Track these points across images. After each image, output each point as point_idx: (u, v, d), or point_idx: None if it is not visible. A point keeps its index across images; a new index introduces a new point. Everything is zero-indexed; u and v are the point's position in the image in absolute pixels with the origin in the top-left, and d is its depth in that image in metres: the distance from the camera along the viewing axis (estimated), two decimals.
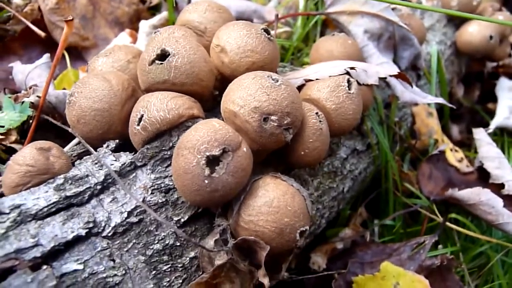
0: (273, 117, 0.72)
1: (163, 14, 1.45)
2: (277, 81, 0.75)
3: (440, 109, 1.56)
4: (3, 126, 1.08)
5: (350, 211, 1.27)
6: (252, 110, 0.72)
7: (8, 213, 0.68)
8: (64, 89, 1.27)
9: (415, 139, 1.33)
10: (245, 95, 0.73)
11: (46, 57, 1.16)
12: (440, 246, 1.17)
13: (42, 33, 1.38)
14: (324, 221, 1.08)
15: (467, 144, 1.68)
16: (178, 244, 0.76)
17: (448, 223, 1.22)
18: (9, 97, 1.12)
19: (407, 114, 1.37)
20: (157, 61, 0.78)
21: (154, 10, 1.67)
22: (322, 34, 1.51)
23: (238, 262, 0.70)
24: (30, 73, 1.11)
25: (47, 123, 1.28)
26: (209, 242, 0.71)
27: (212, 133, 0.68)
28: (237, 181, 0.69)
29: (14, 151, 1.17)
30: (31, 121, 1.25)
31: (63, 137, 1.05)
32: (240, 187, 0.71)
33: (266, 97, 0.72)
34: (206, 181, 0.67)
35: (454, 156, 1.40)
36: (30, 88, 1.10)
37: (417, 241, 1.13)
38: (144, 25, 1.41)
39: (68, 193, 0.72)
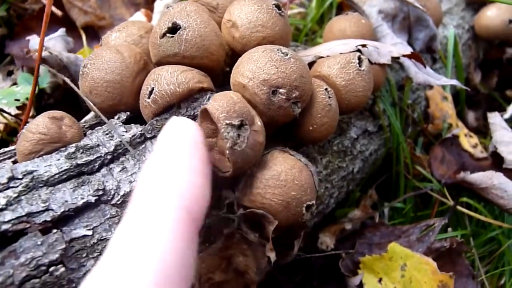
0: (281, 90, 0.73)
1: None
2: (287, 54, 0.75)
3: (455, 94, 1.54)
4: (18, 100, 1.11)
5: (360, 193, 1.27)
6: (261, 83, 0.73)
7: (21, 179, 0.70)
8: None
9: (428, 122, 1.32)
10: (254, 68, 0.74)
11: (61, 30, 1.20)
12: (449, 229, 1.17)
13: (59, 12, 1.40)
14: (332, 201, 1.08)
15: (483, 132, 1.65)
16: None
17: (459, 207, 1.21)
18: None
19: (421, 97, 1.35)
20: (168, 34, 0.79)
21: None
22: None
23: (247, 233, 0.71)
24: (46, 44, 1.14)
25: (61, 101, 1.31)
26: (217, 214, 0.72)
27: (232, 104, 0.69)
28: (255, 154, 0.71)
29: None
30: (48, 97, 1.28)
31: (75, 114, 1.07)
32: (255, 161, 0.72)
33: (275, 70, 0.73)
34: (227, 152, 0.67)
35: (469, 141, 1.39)
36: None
37: (427, 224, 1.13)
38: (159, 4, 1.41)
39: (79, 162, 0.74)
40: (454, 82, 1.10)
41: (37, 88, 1.12)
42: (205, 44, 0.79)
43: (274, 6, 0.85)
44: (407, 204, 1.26)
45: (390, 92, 1.19)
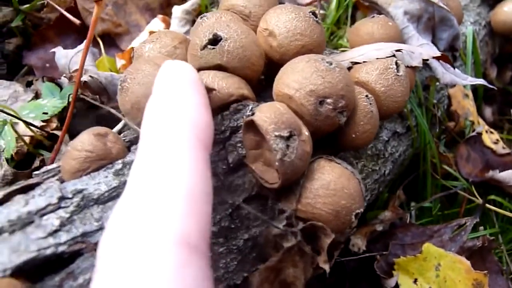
0: (328, 100, 0.73)
1: None
2: (331, 64, 0.75)
3: (473, 90, 1.55)
4: (46, 113, 1.10)
5: (388, 194, 1.27)
6: (308, 94, 0.72)
7: (71, 198, 0.70)
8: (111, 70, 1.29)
9: (453, 121, 1.32)
10: (300, 78, 0.73)
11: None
12: (481, 228, 1.17)
13: (76, 21, 1.38)
14: (365, 204, 1.09)
15: (499, 126, 1.67)
16: (233, 226, 0.77)
17: (487, 205, 1.21)
18: (51, 81, 1.14)
19: (444, 96, 1.36)
20: (209, 46, 0.78)
21: None
22: (352, 16, 1.49)
23: (304, 245, 0.71)
24: (73, 58, 1.13)
25: (84, 112, 1.30)
26: (277, 227, 0.72)
27: (279, 115, 0.69)
28: (303, 164, 0.71)
29: (55, 137, 1.19)
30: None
31: (102, 123, 1.07)
32: (303, 171, 0.72)
33: (322, 80, 0.73)
34: (277, 164, 0.67)
35: (490, 138, 1.39)
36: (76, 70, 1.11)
37: (458, 223, 1.14)
38: (177, 10, 1.41)
39: (127, 178, 0.73)
40: (481, 81, 1.11)
41: (63, 102, 1.12)
42: (247, 55, 0.79)
43: (311, 13, 0.85)
44: (434, 203, 1.27)
45: (416, 92, 1.19)
